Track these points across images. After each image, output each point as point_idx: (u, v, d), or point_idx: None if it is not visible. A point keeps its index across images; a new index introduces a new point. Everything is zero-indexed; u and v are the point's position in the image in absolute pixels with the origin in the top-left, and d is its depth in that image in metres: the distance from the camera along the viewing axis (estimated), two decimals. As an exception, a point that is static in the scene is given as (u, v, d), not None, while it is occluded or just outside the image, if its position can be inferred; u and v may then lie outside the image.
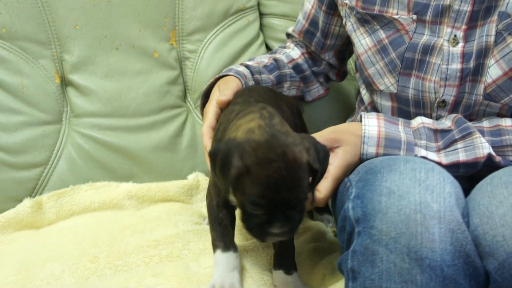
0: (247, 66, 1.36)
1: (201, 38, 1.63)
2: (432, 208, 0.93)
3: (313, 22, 1.41)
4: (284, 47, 1.49)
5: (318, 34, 1.41)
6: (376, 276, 0.93)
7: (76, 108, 1.54)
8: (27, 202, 1.43)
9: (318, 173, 1.03)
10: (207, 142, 1.21)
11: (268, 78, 1.37)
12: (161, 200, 1.49)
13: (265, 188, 0.98)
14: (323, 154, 1.04)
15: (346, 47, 1.44)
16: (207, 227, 1.39)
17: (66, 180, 1.50)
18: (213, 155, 1.02)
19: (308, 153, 1.01)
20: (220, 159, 1.00)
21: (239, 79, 1.29)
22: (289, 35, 1.50)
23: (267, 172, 0.97)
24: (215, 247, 1.14)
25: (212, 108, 1.24)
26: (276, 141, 1.00)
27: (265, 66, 1.39)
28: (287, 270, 1.15)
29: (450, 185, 0.98)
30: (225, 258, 1.12)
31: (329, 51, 1.43)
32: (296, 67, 1.44)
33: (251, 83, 1.34)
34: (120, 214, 1.44)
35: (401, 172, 0.98)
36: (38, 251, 1.29)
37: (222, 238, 1.14)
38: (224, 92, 1.24)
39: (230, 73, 1.31)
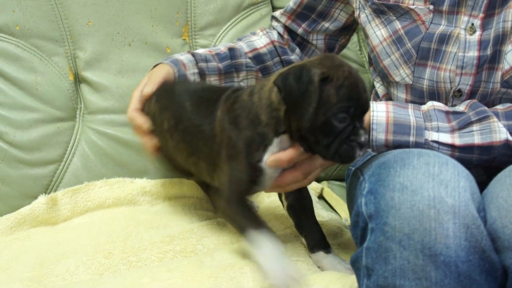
0: (193, 54, 1.37)
1: (213, 33, 1.63)
2: (447, 203, 0.92)
3: (308, 7, 1.38)
4: (254, 34, 1.46)
5: (313, 16, 1.38)
6: (389, 273, 0.92)
7: (90, 104, 1.55)
8: (42, 199, 1.43)
9: None
10: (139, 121, 1.27)
11: (215, 66, 1.37)
12: (175, 195, 1.48)
13: (351, 88, 1.01)
14: None
15: (337, 37, 1.42)
16: (222, 221, 1.39)
17: (80, 176, 1.50)
18: (283, 82, 1.02)
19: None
20: (295, 78, 1.01)
21: (172, 68, 1.32)
22: (274, 18, 1.46)
23: (345, 74, 1.01)
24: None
25: (137, 94, 1.30)
26: (332, 57, 1.05)
27: (217, 54, 1.38)
28: (326, 250, 1.18)
29: (464, 179, 0.96)
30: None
31: (319, 33, 1.41)
32: (257, 57, 1.41)
33: (193, 71, 1.35)
34: (134, 210, 1.45)
35: (414, 167, 0.96)
36: (53, 247, 1.30)
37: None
38: (148, 84, 1.29)
39: (165, 62, 1.34)
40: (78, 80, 1.56)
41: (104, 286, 1.13)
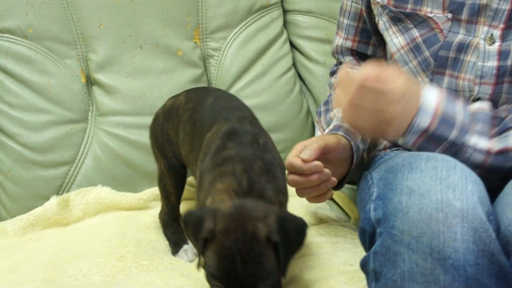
0: None
1: (224, 35, 1.63)
2: (455, 206, 0.92)
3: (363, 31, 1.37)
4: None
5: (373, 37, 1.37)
6: (398, 277, 0.92)
7: (102, 106, 1.56)
8: (54, 200, 1.45)
9: (279, 248, 0.95)
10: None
11: None
12: (187, 198, 1.49)
13: (221, 258, 0.95)
14: (292, 227, 0.99)
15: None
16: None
17: (92, 178, 1.51)
18: (186, 219, 1.02)
19: (268, 226, 0.96)
20: (192, 223, 1.00)
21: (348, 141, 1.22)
22: (337, 54, 1.42)
23: (226, 241, 0.95)
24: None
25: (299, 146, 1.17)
26: (240, 212, 0.97)
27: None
28: None
29: (472, 184, 0.96)
30: None
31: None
32: None
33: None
34: (145, 214, 1.45)
35: (422, 170, 0.96)
36: (65, 249, 1.31)
37: None
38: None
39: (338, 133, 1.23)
40: (90, 82, 1.57)
41: (116, 287, 1.14)
